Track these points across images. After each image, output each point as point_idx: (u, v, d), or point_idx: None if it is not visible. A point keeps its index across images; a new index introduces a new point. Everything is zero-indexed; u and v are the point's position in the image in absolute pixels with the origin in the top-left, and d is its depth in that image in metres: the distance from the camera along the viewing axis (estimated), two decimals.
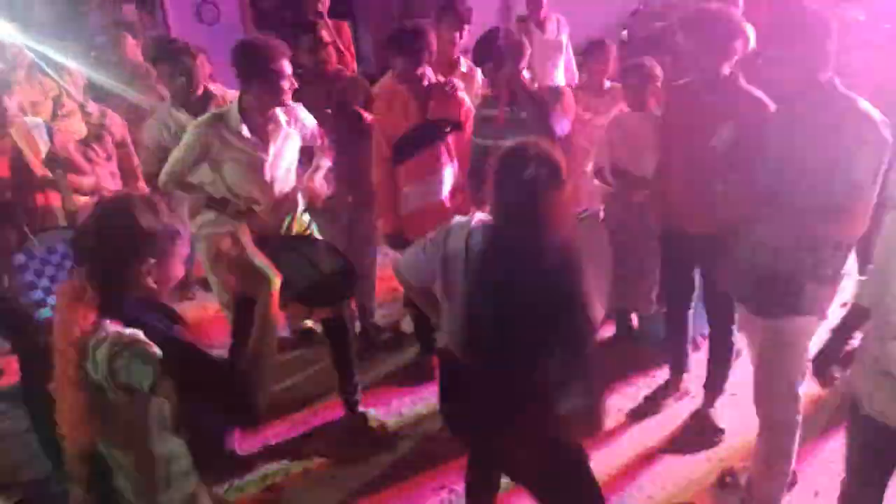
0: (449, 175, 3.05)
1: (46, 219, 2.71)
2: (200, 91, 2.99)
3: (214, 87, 3.01)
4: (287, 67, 2.46)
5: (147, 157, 2.99)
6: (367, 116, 3.20)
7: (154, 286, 1.53)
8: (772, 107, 2.34)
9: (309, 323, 3.63)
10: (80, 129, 3.13)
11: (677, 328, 3.06)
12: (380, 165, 3.07)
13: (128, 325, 1.46)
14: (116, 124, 3.04)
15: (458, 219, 1.92)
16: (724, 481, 2.63)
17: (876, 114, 1.99)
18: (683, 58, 2.59)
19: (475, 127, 2.94)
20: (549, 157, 1.72)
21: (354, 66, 4.58)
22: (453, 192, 3.08)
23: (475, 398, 1.87)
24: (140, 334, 1.45)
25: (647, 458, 2.83)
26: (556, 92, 2.87)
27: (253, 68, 2.44)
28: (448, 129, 2.99)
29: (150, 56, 3.30)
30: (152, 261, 1.51)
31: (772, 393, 2.31)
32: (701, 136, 2.43)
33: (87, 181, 2.91)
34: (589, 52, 3.57)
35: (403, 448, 2.95)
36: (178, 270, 1.60)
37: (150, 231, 1.49)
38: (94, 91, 3.49)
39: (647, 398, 3.15)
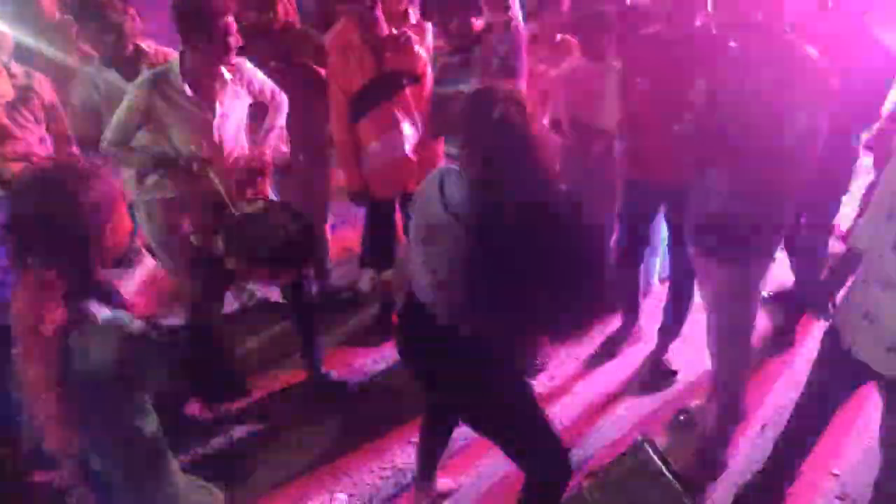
0: (409, 129, 2.99)
1: None
2: (131, 48, 2.80)
3: (146, 45, 2.82)
4: (232, 23, 2.33)
5: (76, 120, 2.81)
6: (320, 71, 3.08)
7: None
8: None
9: (258, 293, 3.56)
10: (6, 91, 2.89)
11: (631, 277, 3.14)
12: (338, 121, 2.99)
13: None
14: (45, 87, 2.81)
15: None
16: (680, 419, 2.75)
17: (816, 55, 2.05)
18: (657, 8, 2.58)
19: (435, 77, 2.89)
20: (515, 95, 1.75)
21: (297, 18, 4.38)
22: (417, 147, 3.04)
23: (439, 347, 1.89)
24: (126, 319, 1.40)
25: (606, 403, 2.93)
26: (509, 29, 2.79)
27: (195, 24, 2.30)
28: (406, 82, 2.92)
29: (73, 11, 3.06)
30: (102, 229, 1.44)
31: (725, 333, 2.41)
32: (675, 88, 2.43)
33: (17, 147, 2.71)
34: (542, 3, 3.51)
35: (368, 407, 2.97)
36: (124, 238, 1.53)
37: (91, 203, 1.41)
38: (18, 51, 3.22)
39: (602, 344, 3.24)
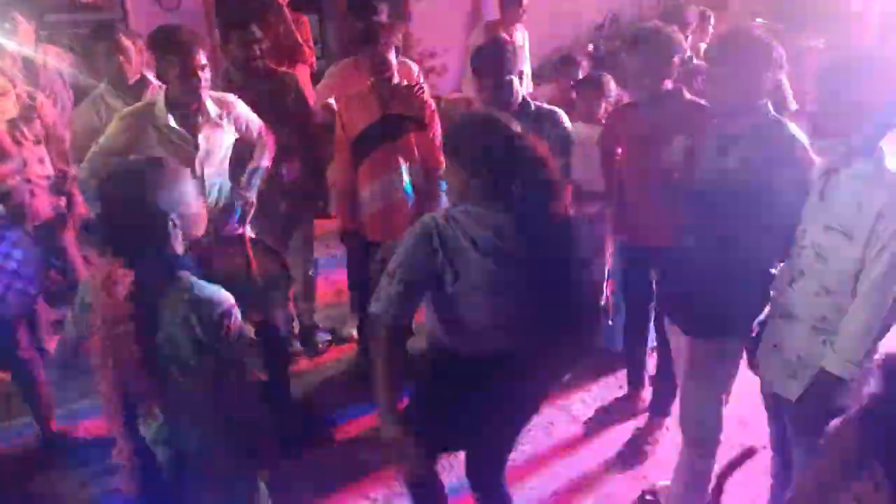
0: (406, 173, 3.00)
1: None
2: (137, 77, 2.89)
3: (152, 77, 2.91)
4: (200, 59, 2.37)
5: (77, 142, 2.89)
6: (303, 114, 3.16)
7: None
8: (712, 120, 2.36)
9: None
10: (9, 109, 3.01)
11: (639, 355, 3.06)
12: (339, 161, 3.04)
13: None
14: (47, 108, 2.92)
15: (424, 223, 1.83)
16: (645, 499, 2.62)
17: (803, 137, 2.03)
18: (630, 76, 2.63)
19: None
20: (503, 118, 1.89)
21: (313, 59, 4.53)
22: (416, 194, 3.04)
23: (475, 387, 1.90)
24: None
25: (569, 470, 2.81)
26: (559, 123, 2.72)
27: (165, 58, 2.36)
28: (410, 127, 2.96)
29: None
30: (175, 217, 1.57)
31: (695, 412, 2.31)
32: (653, 150, 2.48)
33: (14, 165, 2.80)
34: (560, 67, 3.59)
35: (335, 453, 2.89)
36: (199, 224, 1.68)
37: (164, 191, 1.56)
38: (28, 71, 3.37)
39: (601, 410, 3.12)
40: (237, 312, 1.60)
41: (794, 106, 3.09)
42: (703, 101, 2.49)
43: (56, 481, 2.73)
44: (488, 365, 1.89)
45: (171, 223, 1.57)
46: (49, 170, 2.99)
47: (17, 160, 2.80)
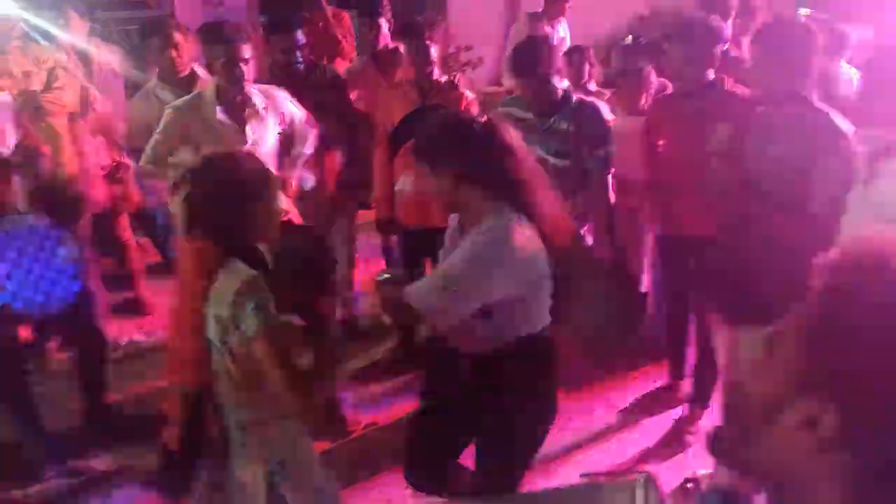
0: None
1: (5, 205, 2.50)
2: (187, 71, 2.99)
3: (201, 71, 3.01)
4: (244, 51, 2.47)
5: (131, 133, 3.01)
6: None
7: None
8: (758, 108, 2.35)
9: None
10: (71, 102, 3.14)
11: (678, 332, 3.05)
12: (378, 153, 3.12)
13: None
14: (101, 100, 3.06)
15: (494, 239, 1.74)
16: (686, 487, 2.62)
17: (848, 127, 2.01)
18: (671, 66, 2.64)
19: None
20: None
21: (354, 54, 4.60)
22: None
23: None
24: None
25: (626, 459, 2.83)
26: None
27: (212, 49, 2.46)
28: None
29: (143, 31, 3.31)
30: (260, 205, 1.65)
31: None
32: (695, 141, 2.48)
33: (72, 153, 2.93)
34: (623, 72, 3.58)
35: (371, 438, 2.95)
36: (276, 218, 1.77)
37: (249, 182, 1.64)
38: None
39: (638, 400, 3.13)
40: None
41: (843, 92, 3.03)
42: (745, 91, 2.49)
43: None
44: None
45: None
46: (104, 160, 3.12)
47: (75, 149, 2.92)
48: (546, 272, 1.81)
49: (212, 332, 1.63)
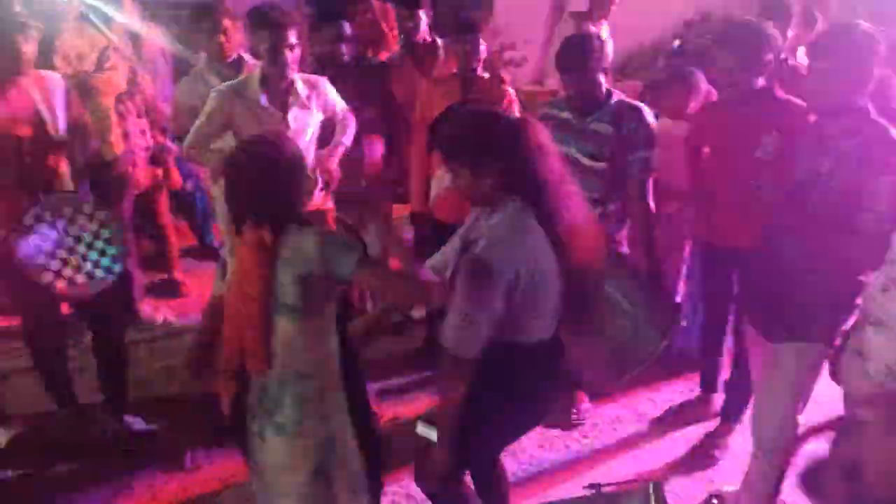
0: None
1: (54, 183, 2.54)
2: (235, 56, 3.03)
3: (249, 57, 3.04)
4: (290, 37, 2.47)
5: (176, 116, 3.05)
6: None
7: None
8: (811, 117, 2.28)
9: None
10: (121, 83, 3.21)
11: (714, 345, 2.99)
12: (415, 147, 3.14)
13: None
14: (146, 83, 3.11)
15: (498, 227, 1.78)
16: (711, 502, 2.57)
17: None
18: (720, 72, 2.57)
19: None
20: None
21: (397, 47, 4.60)
22: None
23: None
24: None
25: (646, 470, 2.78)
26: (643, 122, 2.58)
27: (257, 33, 2.48)
28: None
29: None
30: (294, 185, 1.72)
31: (768, 418, 2.25)
32: (742, 149, 2.43)
33: (120, 134, 2.99)
34: (671, 77, 3.51)
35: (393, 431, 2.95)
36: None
37: (285, 163, 1.70)
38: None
39: (667, 412, 3.08)
40: None
41: None
42: (797, 100, 2.41)
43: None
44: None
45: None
46: (149, 141, 3.18)
47: (122, 130, 2.98)
48: (546, 285, 1.79)
49: (290, 297, 1.68)
